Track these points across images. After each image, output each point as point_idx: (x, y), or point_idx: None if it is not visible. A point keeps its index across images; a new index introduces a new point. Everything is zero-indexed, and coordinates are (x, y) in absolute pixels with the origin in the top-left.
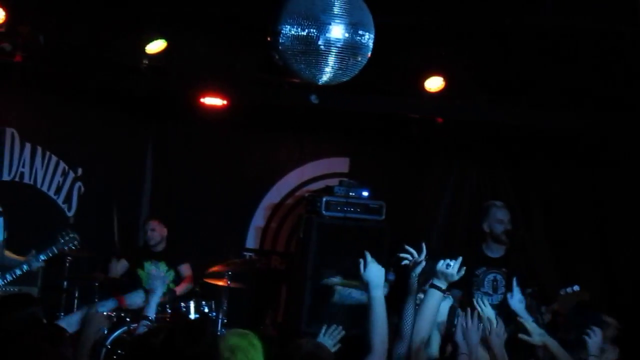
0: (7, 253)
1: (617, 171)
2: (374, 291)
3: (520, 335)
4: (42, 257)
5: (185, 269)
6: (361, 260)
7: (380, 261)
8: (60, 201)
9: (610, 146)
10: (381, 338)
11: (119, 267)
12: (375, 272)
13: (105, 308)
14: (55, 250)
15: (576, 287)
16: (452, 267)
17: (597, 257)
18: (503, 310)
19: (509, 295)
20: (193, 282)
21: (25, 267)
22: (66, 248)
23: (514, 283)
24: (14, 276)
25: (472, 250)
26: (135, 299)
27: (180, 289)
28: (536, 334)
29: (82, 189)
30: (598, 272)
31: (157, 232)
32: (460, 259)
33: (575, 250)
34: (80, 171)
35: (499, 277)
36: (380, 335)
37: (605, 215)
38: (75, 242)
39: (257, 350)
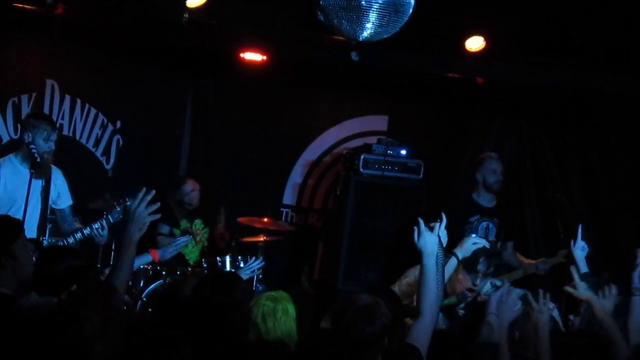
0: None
1: None
2: (427, 259)
3: (566, 288)
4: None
5: (219, 229)
6: (415, 229)
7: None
8: (98, 154)
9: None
10: (431, 305)
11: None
12: (429, 241)
13: (141, 263)
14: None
15: None
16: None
17: (635, 223)
18: None
19: (572, 243)
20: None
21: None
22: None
23: (579, 231)
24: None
25: (465, 197)
26: (167, 252)
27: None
28: (582, 288)
29: (121, 142)
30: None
31: (196, 192)
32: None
33: (612, 214)
34: (119, 124)
35: (491, 225)
36: (430, 301)
37: None
38: None
39: (289, 316)
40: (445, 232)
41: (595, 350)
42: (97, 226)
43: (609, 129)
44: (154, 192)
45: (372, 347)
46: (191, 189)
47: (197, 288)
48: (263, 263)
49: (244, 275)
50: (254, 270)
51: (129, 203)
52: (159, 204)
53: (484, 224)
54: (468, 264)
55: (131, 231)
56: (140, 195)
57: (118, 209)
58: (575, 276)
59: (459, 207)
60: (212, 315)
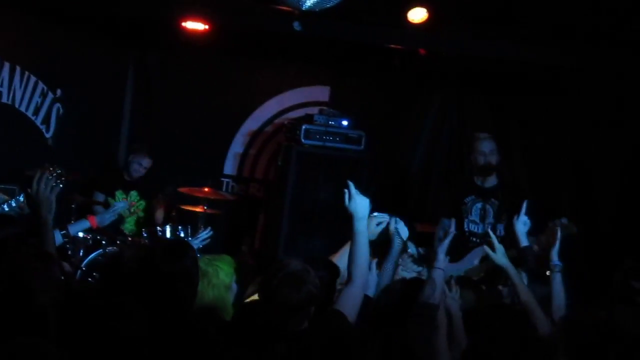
0: None
1: (598, 106)
2: (358, 223)
3: (485, 248)
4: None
5: (159, 204)
6: (346, 191)
7: (359, 190)
8: (38, 122)
9: (593, 82)
10: (362, 270)
11: (100, 198)
12: (360, 204)
13: (79, 229)
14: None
15: (564, 220)
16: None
17: (575, 189)
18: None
19: (515, 217)
20: (165, 210)
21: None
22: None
23: (524, 206)
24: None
25: (464, 178)
26: (105, 218)
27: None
28: (500, 254)
29: (61, 110)
30: (576, 204)
31: (143, 170)
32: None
33: (553, 182)
34: (59, 92)
35: (487, 206)
36: (361, 267)
37: (585, 149)
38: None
39: (223, 274)
40: (405, 227)
41: (515, 322)
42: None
43: (553, 101)
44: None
45: (297, 314)
46: (145, 167)
47: (146, 256)
48: (211, 232)
49: (194, 246)
50: (203, 240)
51: (29, 190)
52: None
53: (479, 204)
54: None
55: (43, 215)
56: (36, 177)
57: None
58: (494, 242)
59: (455, 187)
60: (162, 284)
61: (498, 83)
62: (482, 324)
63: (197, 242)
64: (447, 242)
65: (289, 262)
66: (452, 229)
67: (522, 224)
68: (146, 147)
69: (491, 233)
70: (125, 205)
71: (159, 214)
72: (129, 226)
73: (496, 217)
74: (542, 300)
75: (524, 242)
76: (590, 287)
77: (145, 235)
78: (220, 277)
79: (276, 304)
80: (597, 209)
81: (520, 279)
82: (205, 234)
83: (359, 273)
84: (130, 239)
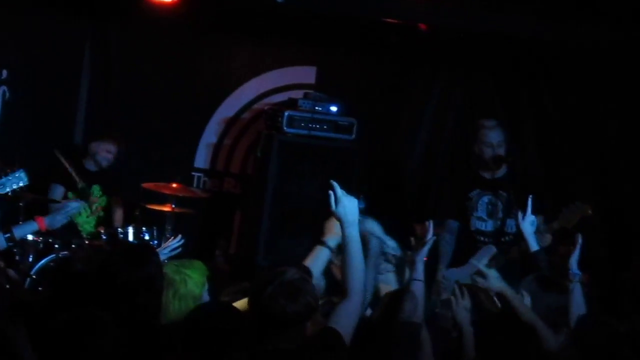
0: None
1: (620, 87)
2: (349, 229)
3: (474, 276)
4: None
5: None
6: (331, 194)
7: (349, 187)
8: None
9: (611, 60)
10: (358, 281)
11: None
12: (349, 207)
13: (25, 232)
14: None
15: (578, 203)
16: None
17: (594, 180)
18: (498, 238)
19: (520, 216)
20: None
21: None
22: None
23: (529, 203)
24: None
25: (467, 171)
26: (56, 220)
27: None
28: (492, 279)
29: (7, 94)
30: (595, 196)
31: (111, 156)
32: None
33: (570, 172)
34: (5, 74)
35: (495, 200)
36: (357, 278)
37: (605, 136)
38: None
39: (192, 283)
40: (375, 222)
41: (521, 331)
42: None
43: (569, 84)
44: None
45: (292, 329)
46: (109, 151)
47: (103, 262)
48: (183, 241)
49: (162, 256)
50: (173, 250)
51: None
52: None
53: (485, 198)
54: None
55: None
56: None
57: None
58: (482, 267)
59: (457, 180)
60: (120, 294)
61: (509, 63)
62: (488, 338)
63: (165, 252)
64: (425, 249)
65: (284, 269)
66: (430, 235)
67: (529, 225)
68: (114, 132)
69: (475, 262)
70: (79, 205)
71: (118, 215)
72: (88, 227)
73: (505, 212)
74: (557, 310)
75: (534, 246)
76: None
77: (104, 237)
78: (188, 287)
79: (268, 316)
80: (620, 198)
81: (520, 300)
82: (175, 242)
83: (356, 287)
84: (87, 242)
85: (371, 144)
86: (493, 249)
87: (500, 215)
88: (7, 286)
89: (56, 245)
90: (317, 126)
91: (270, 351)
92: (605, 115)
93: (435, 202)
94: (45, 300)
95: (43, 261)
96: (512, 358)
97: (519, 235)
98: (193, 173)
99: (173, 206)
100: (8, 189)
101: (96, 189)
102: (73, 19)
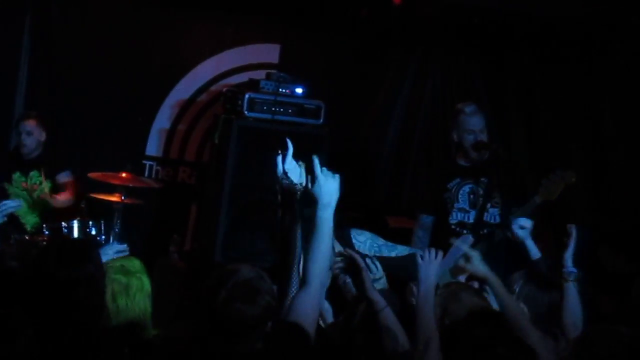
0: None
1: (617, 70)
2: (321, 211)
3: (459, 260)
4: None
5: (65, 177)
6: (301, 169)
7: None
8: None
9: (608, 38)
10: (320, 268)
11: None
12: (325, 187)
13: None
14: None
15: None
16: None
17: (587, 174)
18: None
19: (512, 220)
20: (75, 195)
21: None
22: None
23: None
24: None
25: (444, 159)
26: None
27: (58, 202)
28: (476, 262)
29: None
30: (587, 192)
31: (34, 136)
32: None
33: (561, 162)
34: None
35: (477, 188)
36: (320, 264)
37: (600, 120)
38: None
39: (144, 293)
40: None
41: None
42: None
43: (561, 63)
44: None
45: (252, 333)
46: (27, 131)
47: (39, 259)
48: (128, 252)
49: (105, 256)
50: (118, 252)
51: None
52: None
53: (466, 187)
54: None
55: None
56: None
57: None
58: (461, 245)
59: (434, 170)
60: (58, 294)
61: (493, 39)
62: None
63: (109, 253)
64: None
65: (237, 268)
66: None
67: (519, 229)
68: (33, 112)
69: (460, 245)
70: (19, 204)
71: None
72: (32, 219)
73: (486, 198)
74: (549, 308)
75: (535, 254)
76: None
77: (46, 232)
78: (145, 287)
79: (225, 321)
80: (611, 198)
81: (504, 289)
82: (121, 246)
83: (317, 273)
84: (27, 237)
85: (340, 130)
86: (470, 239)
87: (481, 202)
88: None
89: None
90: (281, 110)
91: (228, 354)
92: (597, 100)
93: (409, 194)
94: None
95: None
96: None
97: (503, 225)
98: (144, 161)
99: (122, 197)
100: None
101: (35, 175)
102: None
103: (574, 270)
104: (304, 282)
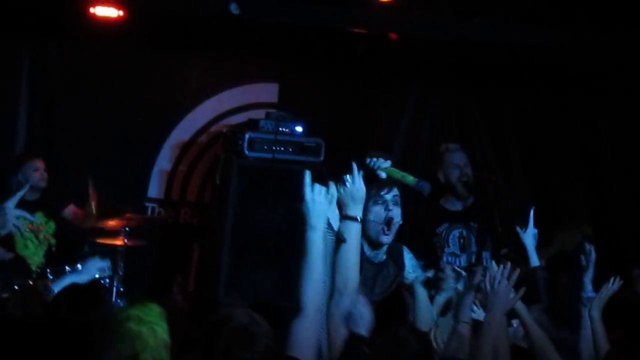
0: None
1: (614, 102)
2: (312, 232)
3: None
4: None
5: (71, 209)
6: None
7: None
8: None
9: (604, 71)
10: (314, 293)
11: None
12: (315, 206)
13: None
14: None
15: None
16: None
17: (588, 205)
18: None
19: (520, 230)
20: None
21: None
22: None
23: (531, 214)
24: None
25: (430, 204)
26: None
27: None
28: (450, 283)
29: None
30: (589, 207)
31: (42, 171)
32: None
33: (561, 196)
34: None
35: (466, 232)
36: (313, 291)
37: (599, 153)
38: None
39: (161, 330)
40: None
41: None
42: None
43: (556, 95)
44: None
45: None
46: (34, 168)
47: (51, 307)
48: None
49: (87, 274)
50: (100, 269)
51: None
52: None
53: (456, 232)
54: None
55: None
56: None
57: None
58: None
59: (422, 215)
60: (69, 341)
61: (489, 74)
62: None
63: (93, 271)
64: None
65: (230, 313)
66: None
67: (531, 237)
68: (26, 152)
69: (532, 259)
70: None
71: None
72: (37, 259)
73: (479, 244)
74: (563, 346)
75: (535, 261)
76: None
77: (50, 277)
78: (158, 337)
79: None
80: (613, 213)
81: (529, 316)
82: (102, 263)
83: (310, 297)
84: (31, 282)
85: (340, 167)
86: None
87: (473, 248)
88: None
89: None
90: (281, 148)
91: None
92: (596, 127)
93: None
94: None
95: None
96: None
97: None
98: (146, 203)
99: (125, 240)
100: None
101: (39, 216)
102: (10, 35)
103: (594, 294)
104: (299, 309)
